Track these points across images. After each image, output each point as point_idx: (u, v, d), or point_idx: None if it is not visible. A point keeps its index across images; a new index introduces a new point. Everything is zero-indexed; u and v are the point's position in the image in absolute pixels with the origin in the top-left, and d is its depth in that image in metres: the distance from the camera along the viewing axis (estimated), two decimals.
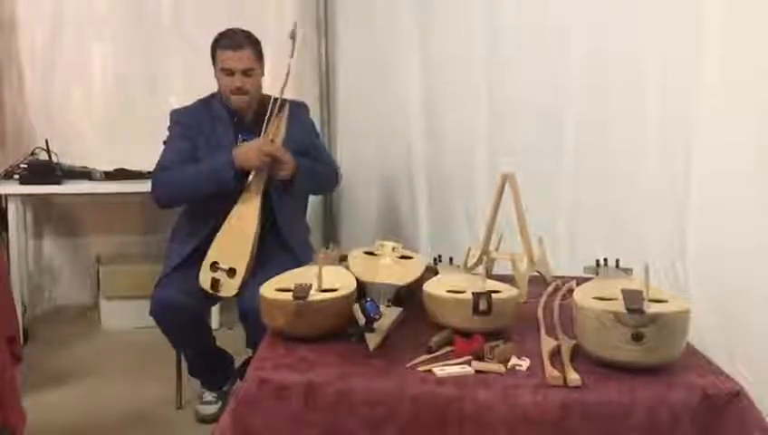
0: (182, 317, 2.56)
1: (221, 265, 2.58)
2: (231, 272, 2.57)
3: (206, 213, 2.71)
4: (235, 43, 2.68)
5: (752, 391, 1.56)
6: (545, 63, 2.77)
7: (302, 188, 2.78)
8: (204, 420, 2.78)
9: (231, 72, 2.68)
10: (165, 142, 2.79)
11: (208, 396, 2.84)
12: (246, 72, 2.69)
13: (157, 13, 3.88)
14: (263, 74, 2.80)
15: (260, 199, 2.65)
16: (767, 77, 2.01)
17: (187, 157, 2.69)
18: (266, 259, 2.63)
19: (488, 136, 3.06)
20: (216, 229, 2.63)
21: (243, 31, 2.74)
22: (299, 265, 2.48)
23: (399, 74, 3.42)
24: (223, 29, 2.83)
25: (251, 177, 2.65)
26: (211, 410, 2.79)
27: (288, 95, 3.86)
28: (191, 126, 2.76)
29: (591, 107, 2.63)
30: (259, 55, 2.74)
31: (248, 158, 2.60)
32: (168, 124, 2.80)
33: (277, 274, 1.99)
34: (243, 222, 2.62)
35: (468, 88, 3.10)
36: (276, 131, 2.69)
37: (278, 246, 2.73)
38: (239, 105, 2.73)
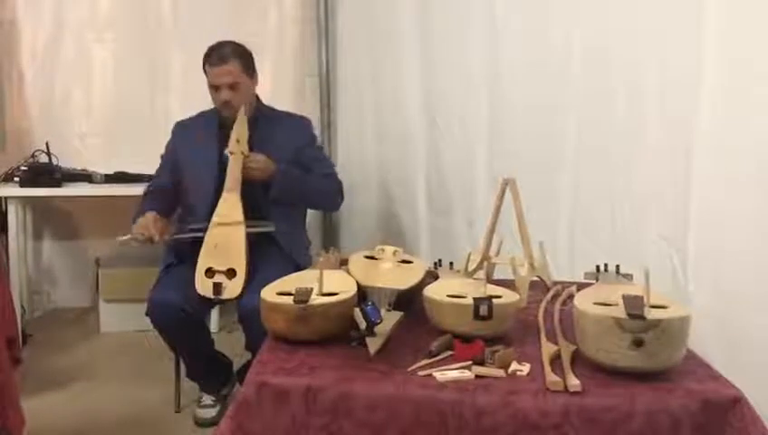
0: (178, 319, 2.54)
1: (217, 269, 2.57)
2: (230, 273, 2.56)
3: (193, 215, 2.76)
4: (220, 59, 2.69)
5: (751, 396, 1.56)
6: (546, 67, 2.77)
7: (285, 194, 2.73)
8: (202, 423, 2.77)
9: (217, 88, 2.70)
10: (162, 156, 2.91)
11: (207, 399, 2.83)
12: (232, 87, 2.69)
13: (157, 16, 3.89)
14: (255, 84, 2.81)
15: (239, 197, 2.63)
16: (767, 80, 2.02)
17: (164, 183, 2.84)
18: (263, 263, 2.63)
19: (488, 140, 3.06)
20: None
21: (230, 43, 2.74)
22: (296, 269, 2.49)
23: (400, 77, 3.43)
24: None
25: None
26: (209, 413, 2.79)
27: (289, 98, 3.91)
28: (184, 141, 2.86)
29: (592, 110, 2.64)
30: (247, 67, 2.74)
31: (135, 228, 2.59)
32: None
33: (275, 277, 1.99)
34: (227, 222, 2.62)
35: (468, 91, 3.11)
36: (240, 131, 2.67)
37: (274, 250, 2.72)
38: (229, 118, 2.74)
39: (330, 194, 2.91)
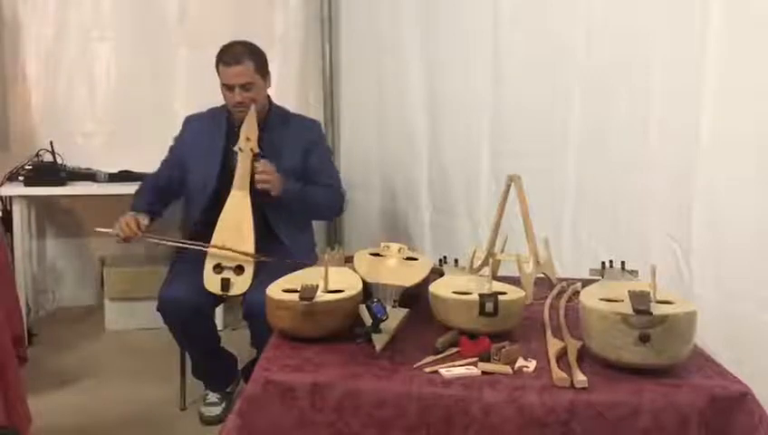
0: (189, 315, 2.57)
1: (225, 265, 2.59)
2: (238, 269, 2.58)
3: (191, 210, 2.81)
4: (233, 59, 2.69)
5: (755, 392, 1.55)
6: (549, 65, 2.77)
7: (288, 210, 2.75)
8: (207, 421, 2.78)
9: (231, 88, 2.70)
10: (170, 148, 2.92)
11: (212, 397, 2.84)
12: (245, 87, 2.70)
13: (162, 14, 3.89)
14: (268, 85, 2.81)
15: (248, 196, 2.66)
16: None
17: (166, 177, 2.86)
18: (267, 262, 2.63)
19: (491, 138, 3.06)
20: (210, 223, 2.67)
21: (243, 44, 2.75)
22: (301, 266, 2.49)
23: (403, 76, 3.43)
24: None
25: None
26: (215, 411, 2.80)
27: (293, 96, 3.91)
28: (192, 135, 2.87)
29: (595, 110, 2.64)
30: (261, 67, 2.74)
31: (119, 223, 2.65)
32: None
33: (280, 274, 1.99)
34: (235, 219, 2.64)
35: (471, 90, 3.10)
36: (250, 129, 2.69)
37: (279, 247, 2.73)
38: (241, 118, 2.74)
39: (328, 208, 2.93)
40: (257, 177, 2.63)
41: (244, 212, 2.64)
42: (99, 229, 2.71)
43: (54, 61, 3.84)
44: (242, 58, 2.69)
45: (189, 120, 2.93)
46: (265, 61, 2.78)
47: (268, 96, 2.85)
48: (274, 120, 2.82)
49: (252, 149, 2.66)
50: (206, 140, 2.82)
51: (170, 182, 2.84)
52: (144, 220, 2.66)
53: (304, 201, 2.77)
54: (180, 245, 2.69)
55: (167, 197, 2.84)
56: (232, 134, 2.76)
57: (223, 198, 2.69)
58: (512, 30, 2.92)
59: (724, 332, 2.10)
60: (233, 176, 2.69)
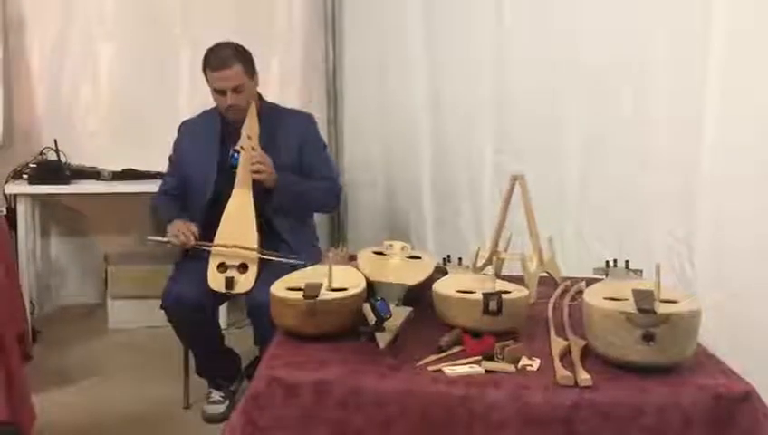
0: (192, 312, 2.57)
1: (229, 264, 2.59)
2: (242, 268, 2.59)
3: (191, 213, 2.79)
4: (221, 63, 2.67)
5: (759, 391, 1.56)
6: (551, 66, 2.78)
7: (284, 202, 2.74)
8: (211, 419, 2.78)
9: (221, 92, 2.70)
10: (170, 158, 2.93)
11: (216, 395, 2.84)
12: (236, 89, 2.69)
13: (165, 13, 3.88)
14: (256, 84, 2.80)
15: (251, 194, 2.66)
16: None
17: (176, 183, 2.88)
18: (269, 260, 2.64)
19: (494, 137, 3.06)
20: (211, 222, 2.67)
21: (229, 46, 2.72)
22: (304, 265, 2.49)
23: (406, 75, 3.43)
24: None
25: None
26: (218, 409, 2.79)
27: (295, 95, 3.91)
28: (188, 139, 2.88)
29: (597, 109, 2.65)
30: (249, 68, 2.73)
31: (171, 231, 2.66)
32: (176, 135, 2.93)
33: (283, 272, 1.99)
34: (238, 218, 2.64)
35: (474, 89, 3.11)
36: (251, 128, 2.69)
37: (282, 246, 2.72)
38: (235, 120, 2.74)
39: (324, 201, 2.92)
40: (251, 166, 2.64)
41: (247, 210, 2.64)
42: (152, 238, 2.71)
43: (58, 59, 3.84)
44: (229, 61, 2.67)
45: (184, 125, 2.93)
46: (252, 60, 2.76)
47: (258, 93, 2.85)
48: (266, 117, 2.81)
49: (253, 148, 2.66)
50: (202, 142, 2.82)
51: (180, 188, 2.86)
52: (194, 227, 2.65)
53: (300, 194, 2.77)
54: (219, 247, 2.64)
55: (183, 203, 2.85)
56: (226, 134, 2.77)
57: (222, 198, 2.69)
58: (514, 30, 2.93)
59: (728, 330, 2.10)
60: (230, 175, 2.69)
